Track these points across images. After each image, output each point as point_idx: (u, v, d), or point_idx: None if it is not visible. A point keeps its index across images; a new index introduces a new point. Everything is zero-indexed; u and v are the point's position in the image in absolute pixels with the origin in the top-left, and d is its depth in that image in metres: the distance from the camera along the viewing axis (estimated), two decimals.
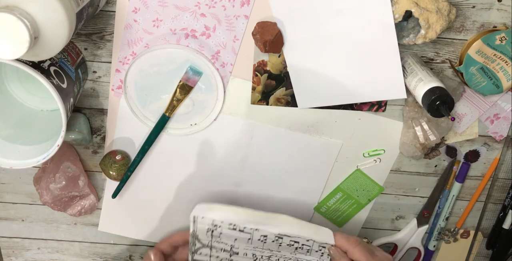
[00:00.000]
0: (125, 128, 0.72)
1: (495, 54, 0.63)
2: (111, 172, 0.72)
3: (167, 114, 0.69)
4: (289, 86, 0.68)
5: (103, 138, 0.73)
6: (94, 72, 0.68)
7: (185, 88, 0.67)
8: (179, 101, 0.68)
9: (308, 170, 0.75)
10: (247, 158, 0.74)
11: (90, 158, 0.75)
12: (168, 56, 0.65)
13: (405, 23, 0.62)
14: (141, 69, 0.66)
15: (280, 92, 0.69)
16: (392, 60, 0.63)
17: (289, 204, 0.78)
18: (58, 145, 0.59)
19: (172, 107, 0.68)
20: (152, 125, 0.70)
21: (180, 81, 0.67)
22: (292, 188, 0.76)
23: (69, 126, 0.68)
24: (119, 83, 0.68)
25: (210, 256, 0.68)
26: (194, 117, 0.70)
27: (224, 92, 0.68)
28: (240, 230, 0.64)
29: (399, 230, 0.82)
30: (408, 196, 0.79)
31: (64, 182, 0.73)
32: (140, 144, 0.72)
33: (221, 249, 0.67)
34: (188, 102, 0.69)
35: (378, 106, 0.70)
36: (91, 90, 0.70)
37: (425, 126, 0.68)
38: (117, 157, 0.72)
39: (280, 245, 0.65)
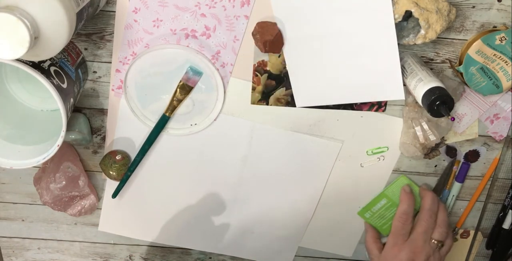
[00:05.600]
0: (125, 128, 0.72)
1: (495, 54, 0.63)
2: (111, 172, 0.72)
3: (167, 114, 0.69)
4: (289, 86, 0.68)
5: (103, 138, 0.73)
6: (94, 72, 0.68)
7: (185, 88, 0.67)
8: (179, 101, 0.68)
9: (308, 170, 0.75)
10: (247, 158, 0.74)
11: (90, 158, 0.75)
12: (168, 56, 0.65)
13: (405, 23, 0.62)
14: (141, 69, 0.66)
15: (280, 92, 0.69)
16: (391, 60, 0.63)
17: (289, 204, 0.78)
18: (58, 145, 0.59)
19: (172, 107, 0.68)
20: (152, 125, 0.70)
21: (180, 81, 0.67)
22: (292, 188, 0.76)
23: (69, 126, 0.68)
24: (119, 83, 0.68)
25: None
26: (194, 117, 0.70)
27: (224, 92, 0.68)
28: None
29: None
30: None
31: (64, 182, 0.73)
32: (140, 144, 0.72)
33: None
34: (188, 102, 0.69)
35: (378, 106, 0.70)
36: (91, 90, 0.70)
37: (425, 126, 0.68)
38: (117, 157, 0.72)
39: None
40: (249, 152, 0.73)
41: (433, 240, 0.70)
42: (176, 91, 0.67)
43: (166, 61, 0.66)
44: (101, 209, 0.79)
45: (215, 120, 0.70)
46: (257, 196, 0.77)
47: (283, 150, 0.73)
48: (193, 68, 0.66)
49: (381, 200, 0.75)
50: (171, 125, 0.70)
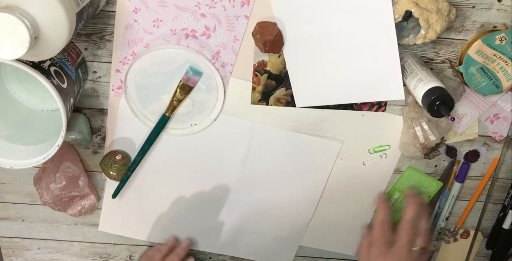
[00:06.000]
0: (125, 128, 0.72)
1: (495, 54, 0.63)
2: (111, 172, 0.72)
3: (167, 114, 0.69)
4: (289, 86, 0.68)
5: (103, 138, 0.73)
6: (94, 72, 0.68)
7: (185, 88, 0.67)
8: (179, 101, 0.68)
9: (308, 171, 0.75)
10: (247, 158, 0.74)
11: (90, 158, 0.75)
12: (168, 56, 0.65)
13: (405, 23, 0.62)
14: (142, 69, 0.66)
15: (280, 92, 0.69)
16: (391, 60, 0.63)
17: (289, 204, 0.78)
18: (58, 145, 0.59)
19: (172, 107, 0.68)
20: (152, 125, 0.70)
21: (180, 81, 0.67)
22: (292, 188, 0.76)
23: (69, 126, 0.68)
24: (119, 83, 0.68)
25: None
26: (194, 117, 0.70)
27: (224, 92, 0.68)
28: None
29: None
30: None
31: (64, 182, 0.73)
32: (140, 144, 0.72)
33: None
34: (188, 102, 0.69)
35: (378, 106, 0.70)
36: (91, 90, 0.70)
37: (425, 126, 0.68)
38: (117, 157, 0.72)
39: None
40: (249, 152, 0.73)
41: (416, 247, 0.70)
42: (176, 91, 0.67)
43: (166, 61, 0.66)
44: (101, 209, 0.79)
45: (215, 120, 0.70)
46: (257, 196, 0.77)
47: (283, 150, 0.73)
48: (193, 68, 0.66)
49: (393, 195, 0.76)
50: (171, 125, 0.70)
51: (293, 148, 0.73)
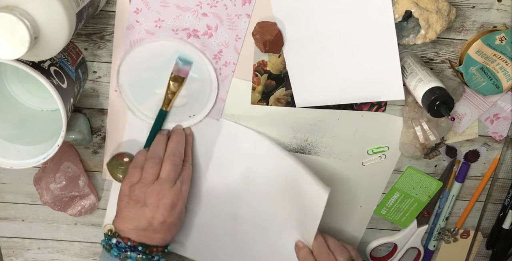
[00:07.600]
0: (126, 127, 0.71)
1: (495, 54, 0.63)
2: (118, 175, 0.72)
3: (164, 108, 0.68)
4: (289, 86, 0.68)
5: (103, 138, 0.73)
6: (94, 72, 0.68)
7: (177, 80, 0.66)
8: (174, 93, 0.67)
9: (300, 212, 0.71)
10: (245, 161, 0.73)
11: (90, 158, 0.75)
12: (156, 49, 0.64)
13: (405, 23, 0.62)
14: (132, 67, 0.65)
15: (280, 92, 0.69)
16: (391, 60, 0.63)
17: (289, 203, 0.77)
18: (58, 145, 0.59)
19: (168, 100, 0.67)
20: (151, 122, 0.69)
21: (172, 73, 0.66)
22: (292, 188, 0.76)
23: (69, 126, 0.68)
24: None
25: None
26: (192, 108, 0.69)
27: (217, 77, 0.66)
28: None
29: (399, 230, 0.82)
30: None
31: (64, 182, 0.73)
32: (143, 142, 0.71)
33: None
34: (183, 94, 0.68)
35: (378, 106, 0.70)
36: (91, 90, 0.70)
37: (425, 126, 0.68)
38: (124, 159, 0.71)
39: None
40: (248, 153, 0.73)
41: None
42: (169, 84, 0.66)
43: (155, 55, 0.65)
44: (101, 209, 0.79)
45: (213, 107, 0.69)
46: (256, 196, 0.76)
47: (276, 176, 0.71)
48: (182, 58, 0.65)
49: (393, 195, 0.76)
50: (171, 119, 0.69)
51: (287, 174, 0.70)
